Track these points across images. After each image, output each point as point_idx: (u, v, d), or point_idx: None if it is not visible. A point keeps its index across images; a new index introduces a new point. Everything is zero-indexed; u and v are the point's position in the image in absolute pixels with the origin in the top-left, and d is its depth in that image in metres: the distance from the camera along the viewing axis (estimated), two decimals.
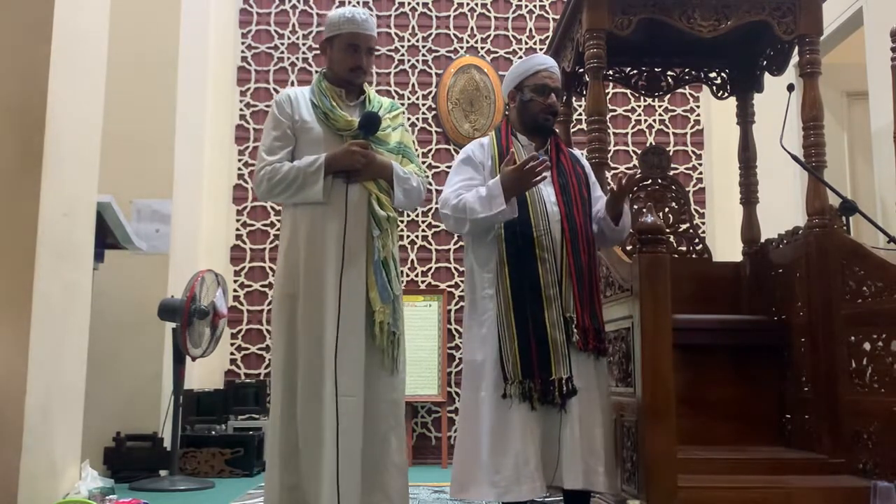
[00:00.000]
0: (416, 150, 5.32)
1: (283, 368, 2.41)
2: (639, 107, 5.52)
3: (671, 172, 3.46)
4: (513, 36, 5.52)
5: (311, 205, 2.45)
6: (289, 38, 5.43)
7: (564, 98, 2.68)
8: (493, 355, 2.38)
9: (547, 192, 2.46)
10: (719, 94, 3.60)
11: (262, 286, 5.22)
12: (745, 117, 3.50)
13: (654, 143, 5.29)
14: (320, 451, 2.33)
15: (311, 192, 2.42)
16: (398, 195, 2.51)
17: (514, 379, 2.32)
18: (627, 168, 5.37)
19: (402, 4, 5.51)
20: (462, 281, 5.23)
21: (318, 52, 5.38)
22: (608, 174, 3.08)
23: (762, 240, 3.30)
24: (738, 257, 3.39)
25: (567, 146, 2.88)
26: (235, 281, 5.20)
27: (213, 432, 4.50)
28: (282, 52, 5.42)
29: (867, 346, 2.58)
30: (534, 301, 2.35)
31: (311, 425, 2.36)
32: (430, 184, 5.31)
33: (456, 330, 5.17)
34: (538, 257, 2.37)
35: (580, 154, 2.73)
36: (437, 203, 5.23)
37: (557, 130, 2.74)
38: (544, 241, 2.38)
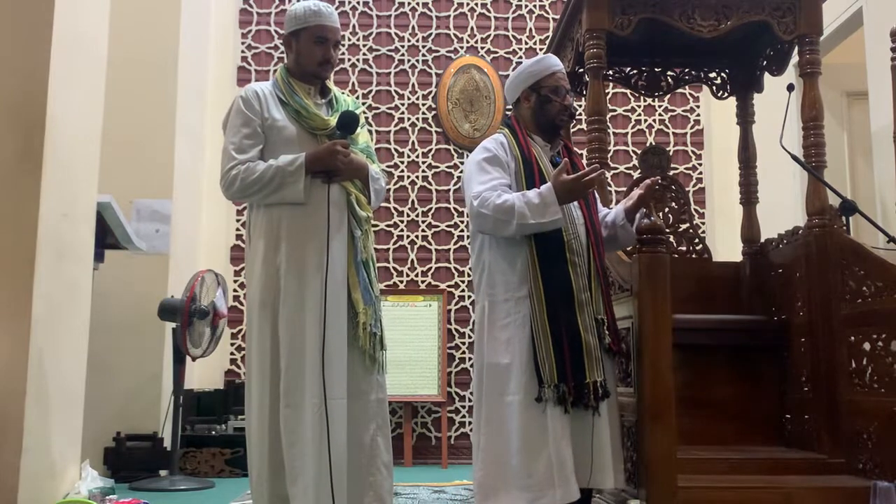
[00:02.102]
0: (416, 150, 5.35)
1: (269, 375, 2.35)
2: (639, 107, 5.52)
3: (671, 172, 3.46)
4: (513, 36, 5.52)
5: (289, 205, 2.38)
6: None
7: None
8: (522, 358, 2.35)
9: None
10: (719, 94, 3.60)
11: None
12: (745, 117, 3.50)
13: (654, 143, 5.29)
14: (305, 457, 2.28)
15: (291, 192, 2.35)
16: (371, 196, 2.49)
17: (550, 382, 2.29)
18: (627, 168, 5.38)
19: (402, 4, 5.50)
20: (462, 281, 5.23)
21: None
22: (608, 174, 3.08)
23: (762, 240, 3.30)
24: (738, 257, 3.39)
25: None
26: (235, 281, 5.20)
27: (213, 432, 4.50)
28: (282, 53, 5.41)
29: (867, 346, 2.58)
30: (567, 305, 2.34)
31: (296, 431, 2.30)
32: (431, 183, 5.32)
33: (456, 330, 5.17)
34: (569, 261, 2.37)
35: None
36: (437, 202, 5.28)
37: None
38: (574, 245, 2.39)
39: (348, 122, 2.43)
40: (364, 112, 2.88)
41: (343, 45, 5.21)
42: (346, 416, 2.33)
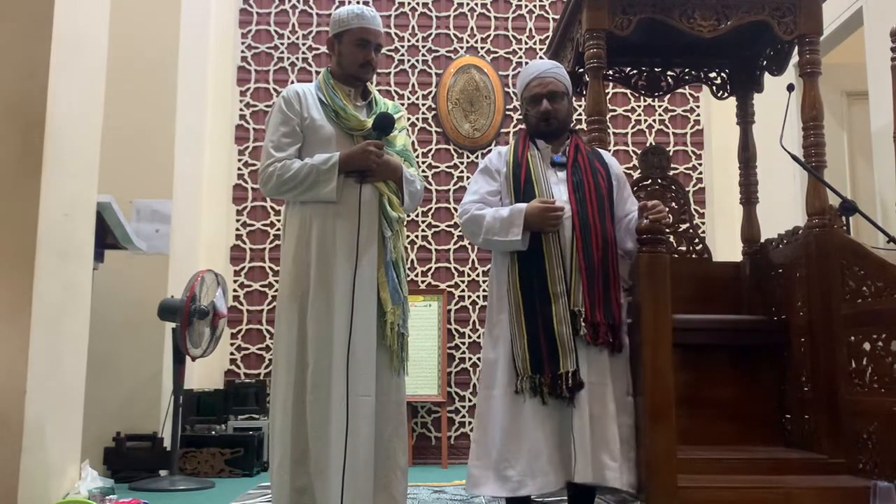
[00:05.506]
0: (416, 150, 5.35)
1: (294, 368, 2.40)
2: (639, 107, 5.52)
3: (671, 172, 3.46)
4: (513, 36, 5.52)
5: (321, 203, 2.44)
6: (289, 38, 5.43)
7: (570, 92, 2.69)
8: (505, 353, 2.45)
9: (559, 190, 2.52)
10: (719, 94, 3.60)
11: (262, 286, 5.22)
12: (745, 117, 3.50)
13: (654, 143, 5.29)
14: (329, 450, 2.33)
15: (324, 191, 2.41)
16: (405, 197, 2.53)
17: (525, 374, 2.37)
18: (627, 168, 5.38)
19: (402, 4, 5.50)
20: (462, 281, 5.24)
21: (318, 52, 5.38)
22: None
23: (762, 240, 3.30)
24: (738, 257, 3.39)
25: None
26: (235, 281, 5.20)
27: (213, 432, 4.50)
28: (282, 52, 5.42)
29: (867, 346, 2.57)
30: (542, 297, 2.40)
31: (321, 425, 2.35)
32: (431, 183, 5.32)
33: (456, 330, 5.18)
34: (545, 252, 2.42)
35: (606, 153, 2.74)
36: (437, 202, 5.28)
37: (577, 128, 2.77)
38: (552, 237, 2.43)
39: (384, 124, 2.49)
40: (406, 116, 2.95)
41: None
42: (373, 414, 2.36)
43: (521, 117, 2.76)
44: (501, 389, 2.43)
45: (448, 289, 5.20)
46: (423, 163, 5.33)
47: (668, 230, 3.24)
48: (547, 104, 2.58)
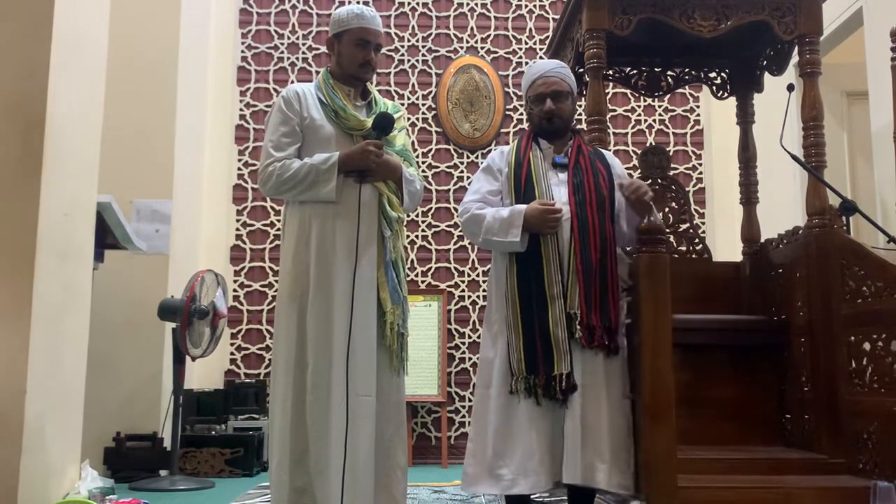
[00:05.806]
0: (416, 150, 5.35)
1: (293, 368, 2.40)
2: (639, 107, 5.52)
3: (671, 172, 3.46)
4: (513, 36, 5.52)
5: (321, 203, 2.44)
6: (289, 38, 5.43)
7: (574, 92, 2.70)
8: (502, 352, 2.47)
9: (559, 191, 2.52)
10: (719, 94, 3.60)
11: (262, 286, 5.22)
12: (745, 117, 3.50)
13: (654, 143, 5.28)
14: (329, 450, 2.33)
15: (323, 191, 2.41)
16: (405, 197, 2.53)
17: (520, 374, 2.39)
18: (627, 168, 5.37)
19: (402, 4, 5.50)
20: (462, 281, 5.25)
21: (318, 52, 5.38)
22: None
23: (762, 240, 3.30)
24: (738, 257, 3.39)
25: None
26: (235, 281, 5.20)
27: (213, 432, 4.50)
28: (282, 52, 5.42)
29: (867, 346, 2.58)
30: (538, 298, 2.42)
31: (321, 425, 2.36)
32: (431, 183, 5.32)
33: (456, 330, 5.18)
34: (543, 255, 2.44)
35: (609, 154, 2.74)
36: (437, 202, 5.29)
37: (579, 129, 2.76)
38: (550, 239, 2.44)
39: (383, 123, 2.49)
40: (405, 115, 2.95)
41: None
42: (374, 414, 2.37)
43: (521, 117, 2.74)
44: (497, 389, 2.45)
45: (448, 289, 5.20)
46: (423, 163, 5.33)
47: (668, 230, 3.24)
48: (550, 103, 2.59)
